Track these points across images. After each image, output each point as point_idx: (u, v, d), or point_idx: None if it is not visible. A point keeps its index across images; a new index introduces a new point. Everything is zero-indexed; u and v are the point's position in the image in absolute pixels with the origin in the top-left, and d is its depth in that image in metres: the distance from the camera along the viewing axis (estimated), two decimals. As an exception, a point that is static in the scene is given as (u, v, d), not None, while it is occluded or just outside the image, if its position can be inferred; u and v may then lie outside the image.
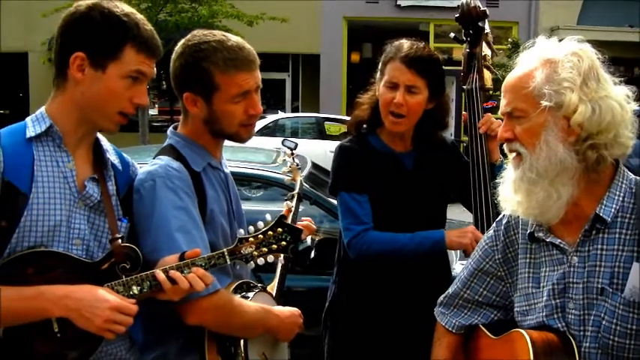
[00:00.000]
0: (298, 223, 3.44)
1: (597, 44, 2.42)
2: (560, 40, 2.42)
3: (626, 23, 22.81)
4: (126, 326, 2.39)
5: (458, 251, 4.90)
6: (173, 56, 2.85)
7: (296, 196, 3.66)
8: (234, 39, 2.84)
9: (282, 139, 16.98)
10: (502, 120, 2.49)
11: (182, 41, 2.86)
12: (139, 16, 2.57)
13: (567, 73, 2.30)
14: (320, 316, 3.87)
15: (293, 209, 3.56)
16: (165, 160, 2.77)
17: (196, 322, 2.66)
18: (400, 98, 3.50)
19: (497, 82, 2.61)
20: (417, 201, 3.64)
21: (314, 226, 3.54)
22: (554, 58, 2.34)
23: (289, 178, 4.01)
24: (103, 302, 2.34)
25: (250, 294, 2.83)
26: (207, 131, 2.88)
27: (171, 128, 2.98)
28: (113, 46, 2.48)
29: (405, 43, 3.60)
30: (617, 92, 2.34)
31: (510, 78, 2.43)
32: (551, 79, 2.31)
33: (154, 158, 2.83)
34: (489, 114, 3.60)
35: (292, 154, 4.10)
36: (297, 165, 4.03)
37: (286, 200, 3.68)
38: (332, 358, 3.83)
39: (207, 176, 2.86)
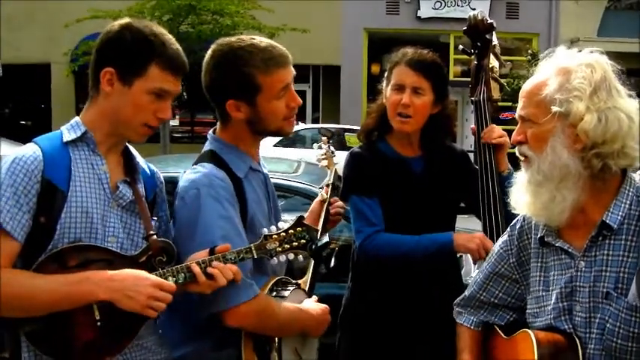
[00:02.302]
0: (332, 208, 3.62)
1: (617, 56, 2.50)
2: (579, 51, 2.49)
3: (647, 35, 22.71)
4: (166, 303, 2.51)
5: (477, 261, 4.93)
6: (206, 68, 2.94)
7: (331, 186, 3.73)
8: (264, 40, 2.96)
9: (302, 149, 17.03)
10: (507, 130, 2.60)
11: (210, 53, 2.95)
12: (168, 37, 2.71)
13: (578, 82, 2.38)
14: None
15: (328, 198, 3.67)
16: (208, 167, 2.85)
17: (235, 326, 2.75)
18: (407, 99, 3.60)
19: (515, 94, 2.67)
20: (426, 205, 3.71)
21: (341, 210, 3.67)
22: (568, 68, 2.43)
23: (324, 165, 4.03)
24: (145, 280, 2.48)
25: (286, 292, 2.95)
26: (249, 132, 2.97)
27: (211, 133, 3.06)
28: (139, 63, 2.63)
29: (410, 49, 3.75)
30: (628, 104, 2.42)
31: (527, 84, 2.54)
32: (563, 88, 2.40)
33: (194, 164, 2.92)
34: (493, 125, 3.66)
35: (329, 140, 4.08)
36: (332, 152, 4.02)
37: (321, 189, 3.78)
38: None
39: (249, 181, 2.96)
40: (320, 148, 4.05)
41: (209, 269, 2.59)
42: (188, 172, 2.88)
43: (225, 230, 2.74)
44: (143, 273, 2.51)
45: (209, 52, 2.96)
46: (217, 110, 2.98)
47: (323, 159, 4.01)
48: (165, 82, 2.66)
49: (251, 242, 2.79)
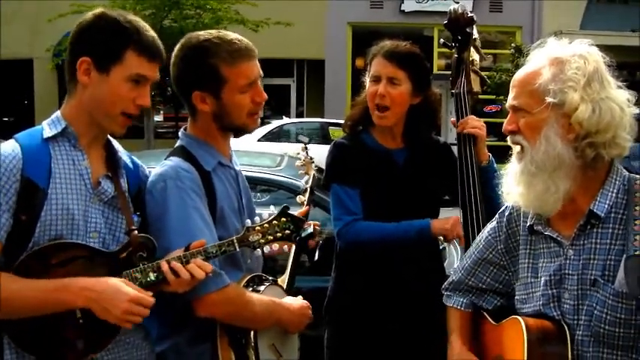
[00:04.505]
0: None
1: (600, 49, 2.52)
2: (570, 43, 2.51)
3: (629, 28, 22.84)
4: (142, 317, 2.51)
5: (459, 250, 4.97)
6: (173, 60, 2.96)
7: (308, 190, 3.73)
8: (231, 34, 2.97)
9: (286, 143, 17.04)
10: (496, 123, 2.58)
11: (178, 46, 2.97)
12: (142, 23, 2.71)
13: (572, 73, 2.40)
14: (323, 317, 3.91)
15: (305, 201, 3.64)
16: (175, 161, 2.89)
17: (206, 315, 2.77)
18: (382, 89, 3.65)
19: (502, 87, 2.67)
20: (408, 197, 3.75)
21: (318, 228, 3.59)
22: (562, 59, 2.44)
23: (302, 172, 4.05)
24: (122, 295, 2.46)
25: (262, 287, 2.94)
26: (216, 127, 2.98)
27: (182, 130, 3.08)
28: (116, 50, 2.63)
29: (387, 41, 3.79)
30: (619, 95, 2.44)
31: (519, 74, 2.55)
32: (557, 78, 2.42)
33: (165, 159, 2.94)
34: (470, 116, 3.68)
35: (306, 147, 4.13)
36: (311, 159, 4.06)
37: (299, 194, 3.77)
38: (331, 352, 3.92)
39: (217, 174, 2.96)
40: (298, 154, 4.08)
41: (172, 263, 2.59)
42: (157, 167, 2.91)
43: (193, 220, 2.76)
44: (122, 285, 2.50)
45: (178, 45, 2.97)
46: (186, 104, 3.00)
47: (302, 166, 4.04)
48: (143, 67, 2.66)
49: (221, 236, 2.81)
